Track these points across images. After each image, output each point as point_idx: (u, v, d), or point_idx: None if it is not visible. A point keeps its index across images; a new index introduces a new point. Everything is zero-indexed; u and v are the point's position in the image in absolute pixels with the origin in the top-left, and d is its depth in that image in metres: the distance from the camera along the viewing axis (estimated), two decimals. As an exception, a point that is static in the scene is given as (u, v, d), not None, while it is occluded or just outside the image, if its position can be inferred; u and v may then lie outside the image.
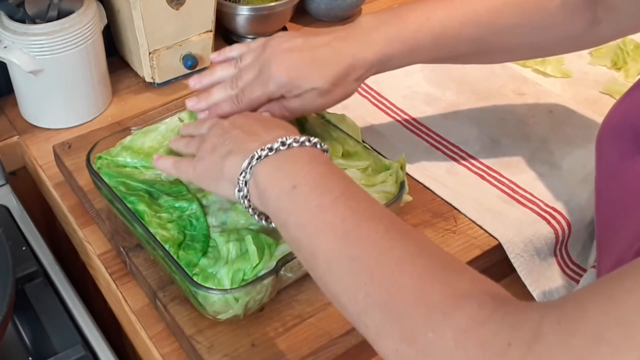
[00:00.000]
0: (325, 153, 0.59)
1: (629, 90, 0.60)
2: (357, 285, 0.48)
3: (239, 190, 0.58)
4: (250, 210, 0.60)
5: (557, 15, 0.74)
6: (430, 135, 0.88)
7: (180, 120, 0.80)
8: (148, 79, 0.97)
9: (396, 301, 0.46)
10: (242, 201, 0.59)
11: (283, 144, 0.57)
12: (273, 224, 0.59)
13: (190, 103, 0.74)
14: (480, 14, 0.73)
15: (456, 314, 0.43)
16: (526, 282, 0.74)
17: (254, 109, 0.72)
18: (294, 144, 0.57)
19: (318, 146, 0.59)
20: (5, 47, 0.85)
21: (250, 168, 0.57)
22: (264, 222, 0.61)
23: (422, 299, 0.45)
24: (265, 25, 1.05)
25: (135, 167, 0.76)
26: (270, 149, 0.57)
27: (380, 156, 0.75)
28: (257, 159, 0.57)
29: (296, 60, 0.70)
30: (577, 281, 0.78)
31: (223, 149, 0.61)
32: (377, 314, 0.47)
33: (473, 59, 0.80)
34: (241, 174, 0.58)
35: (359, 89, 0.96)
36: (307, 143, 0.58)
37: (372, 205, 0.53)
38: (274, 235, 0.68)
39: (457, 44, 0.74)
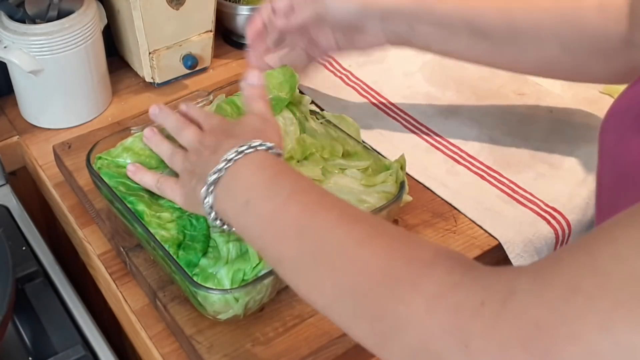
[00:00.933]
0: (269, 151, 0.59)
1: (633, 83, 0.60)
2: (323, 276, 0.48)
3: (209, 215, 0.60)
4: (226, 227, 0.61)
5: (590, 15, 0.71)
6: (430, 135, 0.88)
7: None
8: (148, 79, 0.97)
9: (362, 283, 0.46)
10: (218, 224, 0.60)
11: (227, 161, 0.58)
12: None
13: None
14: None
15: (424, 282, 0.43)
16: (526, 282, 0.74)
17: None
18: (237, 157, 0.57)
19: (262, 147, 0.59)
20: (5, 47, 0.85)
21: (210, 195, 0.58)
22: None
23: (387, 275, 0.45)
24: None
25: (135, 167, 0.76)
26: (219, 171, 0.58)
27: (380, 156, 0.75)
28: (211, 184, 0.58)
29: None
30: (577, 281, 0.77)
31: (195, 178, 0.62)
32: (346, 300, 0.47)
33: (503, 44, 0.76)
34: (204, 202, 0.59)
35: (359, 89, 0.96)
36: (247, 151, 0.58)
37: (323, 196, 0.54)
38: (274, 235, 0.68)
39: (485, 8, 0.74)
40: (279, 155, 0.60)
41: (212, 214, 0.59)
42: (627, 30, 0.69)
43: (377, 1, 0.76)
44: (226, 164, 0.57)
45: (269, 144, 0.59)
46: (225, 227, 0.60)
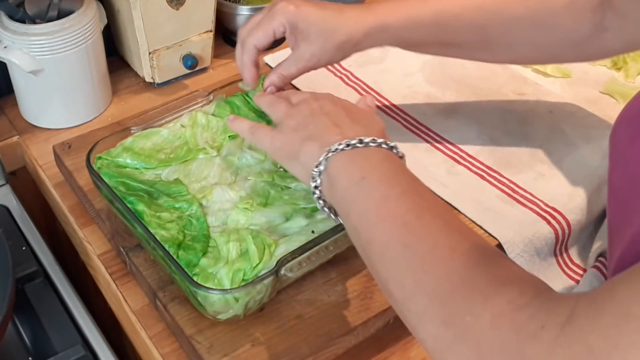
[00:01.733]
0: (400, 159, 0.60)
1: None
2: (407, 271, 0.49)
3: (313, 180, 0.59)
4: (320, 201, 0.60)
5: (561, 14, 0.73)
6: (430, 135, 0.88)
7: (182, 126, 0.80)
8: (148, 79, 0.97)
9: (442, 286, 0.47)
10: (314, 191, 0.60)
11: (361, 141, 0.58)
12: (339, 218, 0.59)
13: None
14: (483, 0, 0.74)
15: (496, 298, 0.44)
16: (526, 282, 0.74)
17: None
18: (371, 144, 0.58)
19: (394, 150, 0.59)
20: (5, 47, 0.85)
21: (326, 160, 0.58)
22: (331, 215, 0.61)
23: (467, 284, 0.46)
24: (265, 25, 1.05)
25: (136, 168, 0.76)
26: (348, 145, 0.58)
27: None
28: (332, 151, 0.58)
29: (306, 6, 0.72)
30: (577, 281, 0.78)
31: (305, 132, 0.61)
32: (422, 299, 0.47)
33: (475, 51, 0.79)
34: (317, 165, 0.58)
35: (359, 89, 0.96)
36: (384, 145, 0.58)
37: (437, 203, 0.55)
38: (274, 235, 0.68)
39: (458, 26, 0.75)
40: (405, 164, 0.60)
41: (317, 177, 0.59)
42: (597, 18, 0.72)
43: (350, 46, 0.74)
44: (358, 143, 0.58)
45: (401, 152, 0.60)
46: (317, 192, 0.59)
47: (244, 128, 0.69)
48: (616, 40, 0.74)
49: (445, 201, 0.79)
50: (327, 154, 0.58)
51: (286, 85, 0.76)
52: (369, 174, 0.56)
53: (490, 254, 0.49)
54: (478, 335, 0.43)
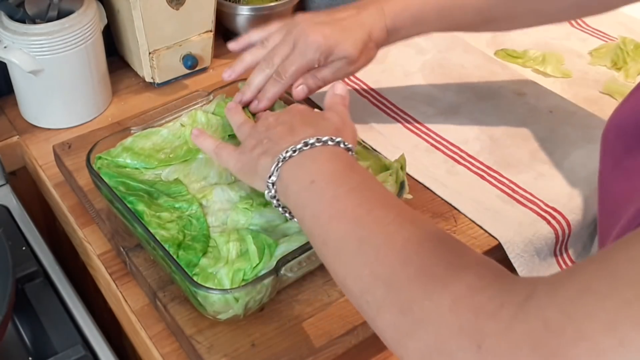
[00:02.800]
0: (349, 152, 0.61)
1: (635, 89, 0.60)
2: (363, 264, 0.50)
3: (268, 190, 0.61)
4: (280, 209, 0.62)
5: None
6: (430, 135, 0.88)
7: (182, 125, 0.80)
8: (148, 79, 0.97)
9: (398, 275, 0.47)
10: (272, 201, 0.62)
11: (306, 144, 0.59)
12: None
13: (237, 97, 0.78)
14: None
15: (454, 283, 0.44)
16: (526, 282, 0.74)
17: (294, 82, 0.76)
18: (317, 144, 0.59)
19: (341, 145, 0.60)
20: (5, 47, 0.85)
21: (277, 170, 0.60)
22: (293, 219, 0.62)
23: (423, 272, 0.46)
24: (265, 25, 1.05)
25: (136, 168, 0.76)
26: (294, 150, 0.59)
27: (380, 156, 0.75)
28: (282, 160, 0.59)
29: (329, 30, 0.74)
30: (577, 281, 0.77)
31: (261, 148, 0.63)
32: (379, 290, 0.48)
33: (479, 28, 0.83)
34: (269, 176, 0.60)
35: (359, 89, 0.96)
36: (329, 142, 0.60)
37: (387, 196, 0.55)
38: (274, 235, 0.68)
39: (463, 14, 0.78)
40: (354, 158, 0.61)
41: (271, 188, 0.60)
42: None
43: (380, 26, 0.77)
44: (304, 146, 0.59)
45: (349, 145, 0.61)
46: (275, 202, 0.62)
47: (209, 147, 0.70)
48: None
49: (445, 201, 0.79)
50: (277, 164, 0.60)
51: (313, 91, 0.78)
52: (318, 177, 0.57)
53: (446, 242, 0.49)
54: (437, 319, 0.43)
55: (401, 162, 0.73)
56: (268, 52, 0.77)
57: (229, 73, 0.79)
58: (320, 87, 0.78)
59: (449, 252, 0.47)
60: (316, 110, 0.70)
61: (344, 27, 0.75)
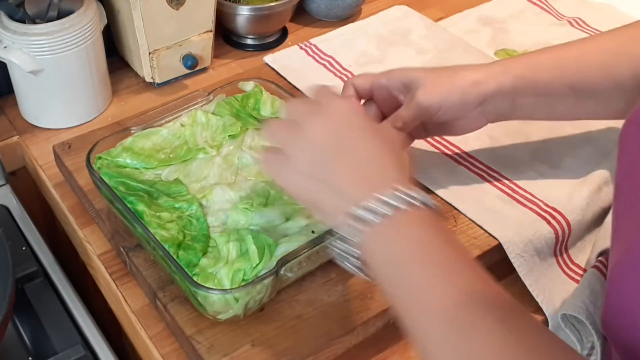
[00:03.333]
0: (433, 211, 0.55)
1: None
2: None
3: (342, 241, 0.55)
4: (353, 264, 0.57)
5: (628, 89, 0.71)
6: (430, 135, 0.88)
7: (182, 125, 0.80)
8: (148, 79, 0.97)
9: None
10: (338, 253, 0.57)
11: (386, 204, 0.53)
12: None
13: None
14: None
15: None
16: (526, 282, 0.74)
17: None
18: (401, 206, 0.53)
19: (426, 204, 0.54)
20: (5, 47, 0.85)
21: (356, 231, 0.54)
22: (359, 274, 0.57)
23: None
24: (265, 25, 1.05)
25: (136, 168, 0.76)
26: (375, 213, 0.53)
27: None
28: (361, 221, 0.53)
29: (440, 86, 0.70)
30: (577, 281, 0.77)
31: (321, 179, 0.56)
32: None
33: (611, 101, 0.74)
34: (345, 230, 0.54)
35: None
36: (415, 202, 0.53)
37: (478, 282, 0.50)
38: (274, 235, 0.68)
39: (584, 66, 0.72)
40: (439, 214, 0.55)
41: (351, 250, 0.55)
42: None
43: (476, 90, 0.71)
44: (386, 210, 0.53)
45: (432, 202, 0.54)
46: (355, 262, 0.56)
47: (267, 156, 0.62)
48: None
49: (445, 201, 0.79)
50: (355, 223, 0.53)
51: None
52: (401, 255, 0.52)
53: (545, 350, 0.46)
54: None
55: None
56: None
57: None
58: (405, 130, 0.71)
59: None
60: (359, 116, 0.60)
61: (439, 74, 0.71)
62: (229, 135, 0.79)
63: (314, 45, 1.04)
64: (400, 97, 0.73)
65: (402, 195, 0.53)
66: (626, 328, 0.47)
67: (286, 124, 0.61)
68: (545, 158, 0.84)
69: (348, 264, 0.57)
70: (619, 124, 0.59)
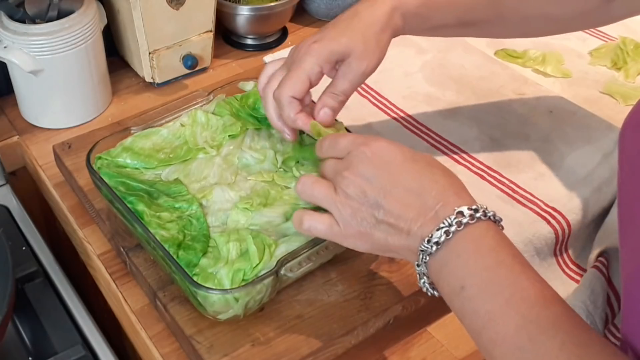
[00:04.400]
0: (496, 223, 0.55)
1: None
2: None
3: (420, 279, 0.56)
4: (431, 291, 0.57)
5: None
6: (430, 135, 0.88)
7: (182, 125, 0.80)
8: (148, 79, 0.97)
9: None
10: (425, 287, 0.56)
11: (447, 233, 0.53)
12: None
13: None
14: None
15: None
16: (526, 282, 0.74)
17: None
18: (459, 229, 0.53)
19: (482, 217, 0.54)
20: (5, 47, 0.85)
21: (425, 263, 0.54)
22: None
23: None
24: (265, 25, 1.05)
25: (136, 168, 0.76)
26: (437, 244, 0.53)
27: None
28: (428, 254, 0.54)
29: (319, 36, 0.68)
30: (577, 281, 0.78)
31: (379, 226, 0.56)
32: None
33: (491, 28, 0.79)
34: (418, 266, 0.55)
35: (359, 89, 0.96)
36: (470, 222, 0.53)
37: (544, 308, 0.50)
38: (274, 235, 0.68)
39: (473, 4, 0.75)
40: (498, 222, 0.55)
41: (425, 280, 0.55)
42: None
43: (388, 35, 0.71)
44: (445, 236, 0.53)
45: (490, 212, 0.54)
46: (435, 292, 0.56)
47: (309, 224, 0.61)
48: (621, 9, 0.76)
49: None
50: (422, 258, 0.54)
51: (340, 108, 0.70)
52: (467, 283, 0.52)
53: None
54: None
55: None
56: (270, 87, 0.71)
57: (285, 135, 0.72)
58: (343, 102, 0.69)
59: None
60: (394, 150, 0.58)
61: (339, 29, 0.69)
62: (229, 135, 0.79)
63: (314, 45, 1.04)
64: (331, 73, 0.71)
65: (450, 226, 0.53)
66: None
67: (323, 183, 0.60)
68: (545, 158, 0.84)
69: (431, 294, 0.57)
70: (619, 123, 0.59)
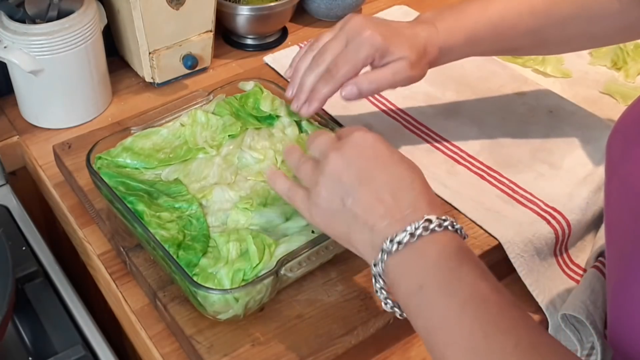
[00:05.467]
0: (457, 233, 0.55)
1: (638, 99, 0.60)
2: None
3: (376, 281, 0.55)
4: (389, 305, 0.56)
5: (612, 4, 0.75)
6: (430, 135, 0.88)
7: (182, 125, 0.80)
8: (148, 79, 0.97)
9: None
10: (377, 292, 0.56)
11: (412, 235, 0.53)
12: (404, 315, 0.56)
13: (293, 104, 0.74)
14: (536, 4, 0.76)
15: None
16: (526, 282, 0.74)
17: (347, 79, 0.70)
18: (424, 233, 0.53)
19: (450, 228, 0.54)
20: (5, 47, 0.85)
21: (382, 262, 0.54)
22: (395, 311, 0.56)
23: None
24: (265, 25, 1.05)
25: (136, 168, 0.76)
26: (399, 243, 0.53)
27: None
28: (388, 253, 0.54)
29: (385, 29, 0.70)
30: (577, 281, 0.77)
31: (345, 212, 0.57)
32: None
33: (532, 51, 0.83)
34: (374, 264, 0.55)
35: (359, 89, 0.96)
36: (437, 229, 0.53)
37: (500, 313, 0.50)
38: (274, 235, 0.68)
39: (515, 35, 0.77)
40: (464, 237, 0.56)
41: (378, 279, 0.55)
42: None
43: (435, 42, 0.74)
44: (410, 238, 0.53)
45: (457, 225, 0.55)
46: (384, 298, 0.56)
47: (283, 188, 0.63)
48: None
49: (445, 201, 0.79)
50: (381, 256, 0.54)
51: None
52: (426, 282, 0.52)
53: None
54: None
55: None
56: (318, 50, 0.72)
57: (290, 91, 0.74)
58: (373, 92, 0.72)
59: None
60: (384, 148, 0.59)
61: (400, 31, 0.71)
62: (228, 135, 0.79)
63: (314, 45, 1.04)
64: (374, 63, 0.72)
65: (415, 229, 0.53)
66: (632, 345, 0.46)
67: (308, 161, 0.62)
68: (545, 158, 0.84)
69: (383, 299, 0.56)
70: (619, 123, 0.59)
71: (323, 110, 0.90)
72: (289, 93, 0.74)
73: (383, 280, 0.55)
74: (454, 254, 0.53)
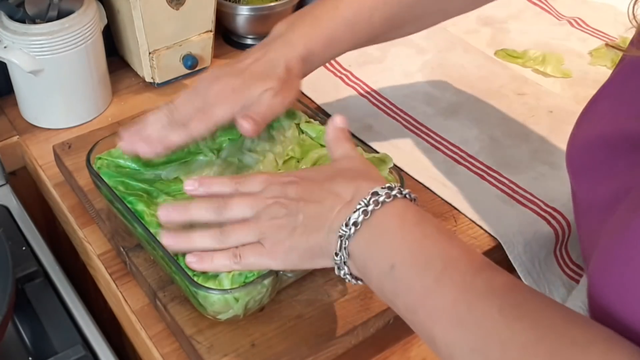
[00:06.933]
0: (412, 201, 0.54)
1: (590, 104, 0.59)
2: None
3: (340, 269, 0.55)
4: (353, 281, 0.56)
5: None
6: (430, 135, 0.88)
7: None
8: (148, 79, 0.97)
9: None
10: (346, 278, 0.55)
11: (365, 212, 0.52)
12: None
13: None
14: None
15: None
16: (526, 282, 0.74)
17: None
18: (376, 207, 0.52)
19: (398, 195, 0.53)
20: (5, 47, 0.85)
21: (345, 249, 0.53)
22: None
23: None
24: (265, 25, 1.05)
25: (136, 169, 0.76)
26: (355, 224, 0.52)
27: (375, 153, 0.74)
28: (347, 238, 0.53)
29: (235, 79, 0.69)
30: (577, 281, 0.78)
31: (295, 230, 0.56)
32: None
33: (390, 36, 0.80)
34: (336, 255, 0.54)
35: (359, 89, 0.96)
36: (387, 200, 0.53)
37: (477, 275, 0.49)
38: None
39: (372, 26, 0.75)
40: (414, 200, 0.55)
41: (345, 269, 0.54)
42: None
43: (293, 56, 0.72)
44: (364, 216, 0.52)
45: (405, 190, 0.54)
46: (352, 279, 0.55)
47: (224, 263, 0.61)
48: None
49: (445, 201, 0.79)
50: (341, 244, 0.53)
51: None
52: (397, 260, 0.51)
53: (563, 335, 0.44)
54: None
55: (382, 158, 0.72)
56: (170, 112, 0.70)
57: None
58: (260, 124, 0.70)
59: (568, 349, 0.43)
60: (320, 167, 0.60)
61: (252, 70, 0.70)
62: (228, 139, 0.79)
63: (314, 45, 1.04)
64: None
65: (367, 206, 0.53)
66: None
67: (233, 225, 0.60)
68: (545, 158, 0.84)
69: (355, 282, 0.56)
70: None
71: (323, 110, 0.90)
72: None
73: (348, 267, 0.54)
74: (414, 223, 0.52)
